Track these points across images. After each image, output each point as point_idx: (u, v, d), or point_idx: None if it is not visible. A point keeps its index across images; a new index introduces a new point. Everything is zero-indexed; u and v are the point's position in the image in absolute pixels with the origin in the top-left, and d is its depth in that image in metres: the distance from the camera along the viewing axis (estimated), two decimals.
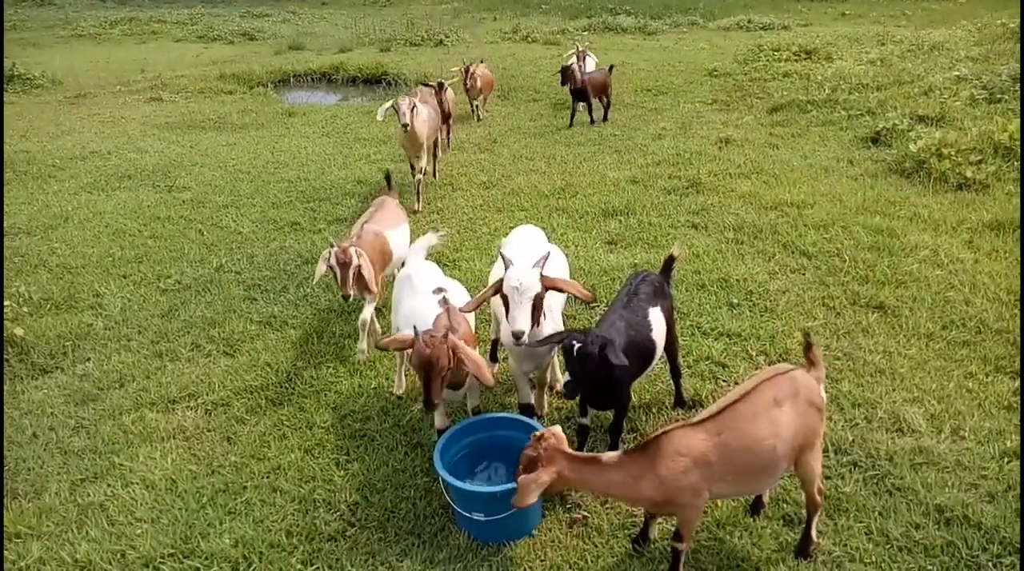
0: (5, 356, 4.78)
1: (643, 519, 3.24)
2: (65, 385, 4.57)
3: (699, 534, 3.32)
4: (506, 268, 3.45)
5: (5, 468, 3.84)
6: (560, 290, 3.58)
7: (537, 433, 2.84)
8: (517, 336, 3.34)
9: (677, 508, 2.88)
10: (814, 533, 3.15)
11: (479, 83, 10.65)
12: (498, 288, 3.48)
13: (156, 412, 4.27)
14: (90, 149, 10.03)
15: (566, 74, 10.06)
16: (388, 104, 6.95)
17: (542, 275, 3.43)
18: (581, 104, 10.59)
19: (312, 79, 16.81)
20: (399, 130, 7.23)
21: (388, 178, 5.88)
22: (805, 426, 2.84)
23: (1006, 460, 3.63)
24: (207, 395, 4.42)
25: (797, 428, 2.82)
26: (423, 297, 3.73)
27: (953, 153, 7.28)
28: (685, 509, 2.86)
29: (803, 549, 3.15)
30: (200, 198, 7.98)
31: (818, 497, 3.05)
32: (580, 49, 11.31)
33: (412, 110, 6.98)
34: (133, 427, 4.14)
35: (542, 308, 3.49)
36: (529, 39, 19.97)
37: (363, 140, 10.44)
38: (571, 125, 10.54)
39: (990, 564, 3.09)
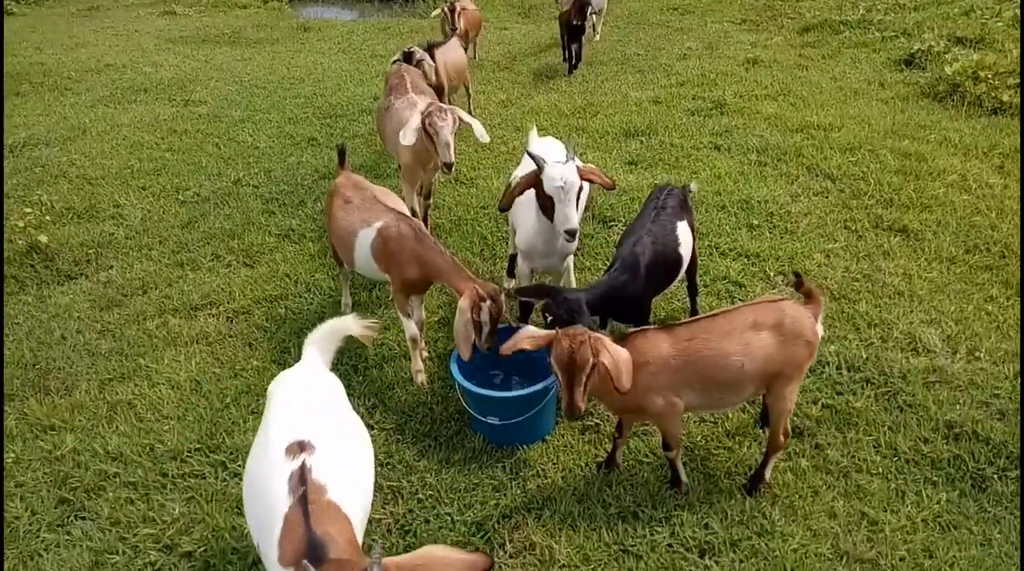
0: (31, 262, 4.86)
1: (612, 443, 3.24)
2: (90, 291, 4.65)
3: (709, 443, 3.39)
4: (540, 168, 3.36)
5: (36, 367, 3.96)
6: (591, 181, 3.52)
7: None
8: (572, 233, 3.34)
9: (651, 417, 2.92)
10: (768, 473, 3.09)
11: (463, 24, 8.29)
12: (530, 183, 3.40)
13: (179, 318, 4.36)
14: (105, 62, 9.91)
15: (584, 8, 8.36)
16: (415, 123, 4.22)
17: (578, 167, 3.39)
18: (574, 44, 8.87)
19: None
20: (413, 149, 4.43)
21: (342, 153, 4.18)
22: (784, 355, 2.78)
23: (1019, 380, 3.64)
24: (228, 303, 4.50)
25: (773, 354, 2.77)
26: (271, 463, 2.16)
27: (990, 76, 7.02)
28: (660, 419, 2.89)
29: (752, 486, 3.10)
30: (216, 112, 7.90)
31: (781, 437, 2.97)
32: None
33: (455, 125, 4.32)
34: (157, 332, 4.23)
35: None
36: None
37: (380, 57, 10.21)
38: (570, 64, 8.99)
39: (995, 477, 3.15)
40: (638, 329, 2.88)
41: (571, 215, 3.32)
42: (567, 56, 9.01)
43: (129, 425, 3.52)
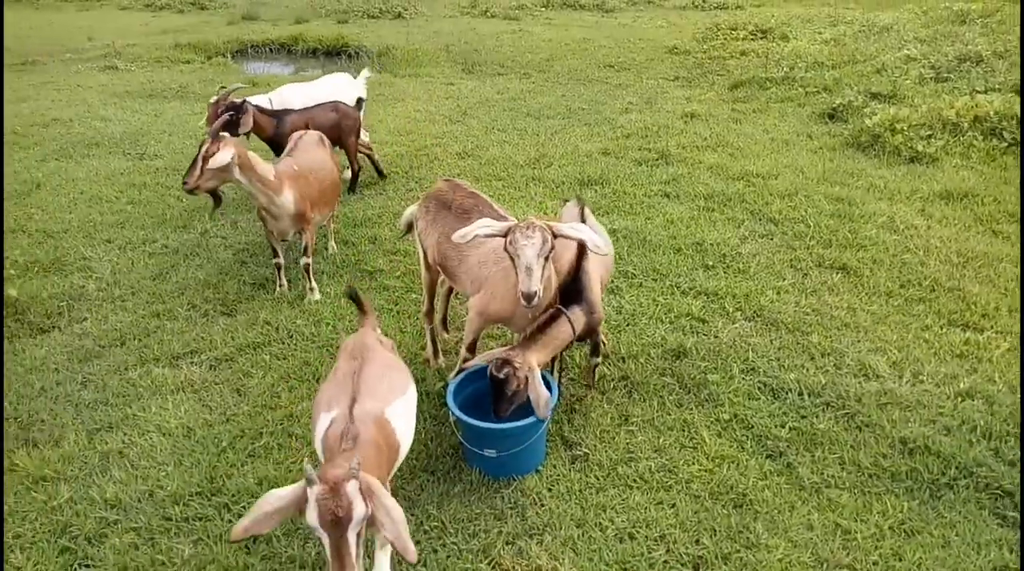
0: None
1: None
2: (65, 343, 4.61)
3: (690, 466, 3.62)
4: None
5: (18, 420, 3.91)
6: None
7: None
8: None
9: None
10: None
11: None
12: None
13: (161, 367, 4.37)
14: (51, 116, 9.79)
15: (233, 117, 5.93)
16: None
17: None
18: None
19: (270, 50, 16.57)
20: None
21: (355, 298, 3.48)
22: None
23: (960, 400, 4.03)
24: (210, 351, 4.53)
25: None
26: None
27: (905, 128, 7.74)
28: None
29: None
30: (173, 166, 7.92)
31: None
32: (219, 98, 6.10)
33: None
34: (141, 381, 4.23)
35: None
36: (488, 14, 20.01)
37: None
38: None
39: (948, 486, 3.48)
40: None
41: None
42: None
43: (124, 472, 3.52)
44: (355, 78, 7.84)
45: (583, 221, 3.76)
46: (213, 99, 6.20)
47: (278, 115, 6.32)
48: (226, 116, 5.62)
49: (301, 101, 6.81)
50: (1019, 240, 5.76)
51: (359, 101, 7.10)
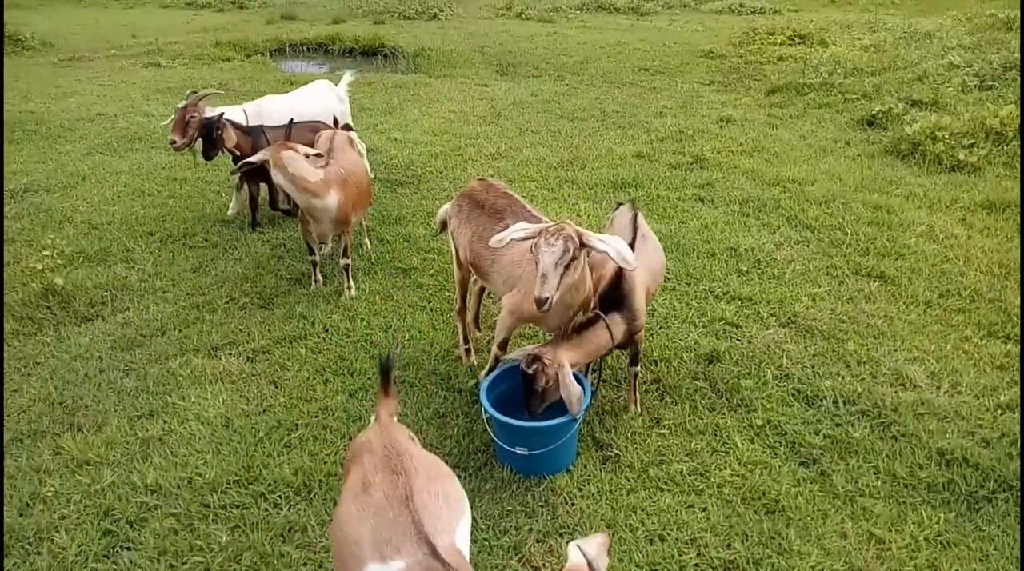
0: (47, 304, 4.93)
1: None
2: (108, 332, 4.73)
3: (722, 471, 3.61)
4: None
5: (63, 405, 4.03)
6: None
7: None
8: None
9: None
10: None
11: None
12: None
13: (201, 358, 4.46)
14: (96, 111, 10.03)
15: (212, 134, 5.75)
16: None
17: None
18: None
19: (308, 49, 16.81)
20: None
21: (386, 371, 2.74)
22: None
23: (1000, 412, 3.96)
24: (247, 343, 4.61)
25: None
26: None
27: (947, 136, 7.62)
28: None
29: None
30: (214, 161, 8.03)
31: None
32: (187, 103, 5.85)
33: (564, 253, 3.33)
34: (180, 371, 4.32)
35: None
36: (523, 16, 20.09)
37: (368, 110, 10.54)
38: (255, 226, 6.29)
39: (986, 499, 3.42)
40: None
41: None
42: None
43: (164, 459, 3.60)
44: (336, 84, 7.25)
45: (636, 228, 3.77)
46: (181, 104, 5.87)
47: (254, 133, 5.90)
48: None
49: (280, 113, 6.24)
50: None
51: (346, 127, 6.14)
